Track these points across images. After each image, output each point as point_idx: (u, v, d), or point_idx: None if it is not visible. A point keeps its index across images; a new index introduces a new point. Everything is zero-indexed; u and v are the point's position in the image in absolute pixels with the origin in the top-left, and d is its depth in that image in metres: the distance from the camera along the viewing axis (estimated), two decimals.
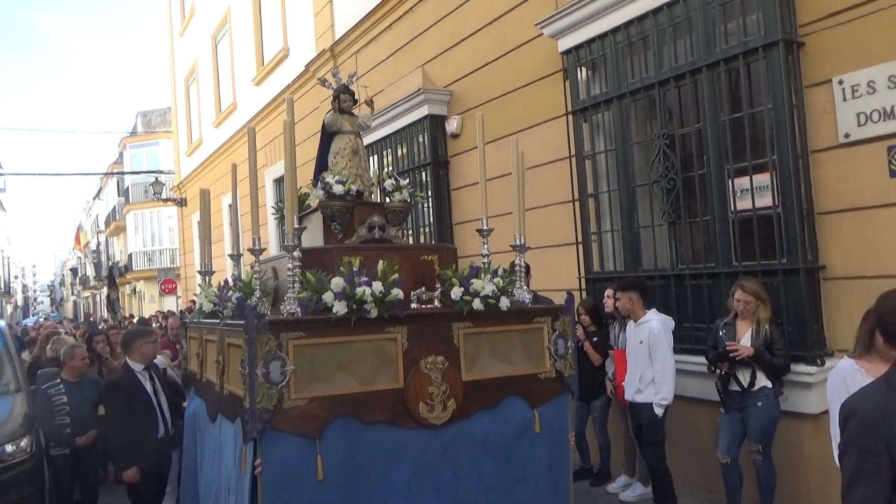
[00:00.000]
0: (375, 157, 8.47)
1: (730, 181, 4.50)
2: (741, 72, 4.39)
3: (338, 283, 2.69)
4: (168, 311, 15.68)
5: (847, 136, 3.95)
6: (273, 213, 3.43)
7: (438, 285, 3.16)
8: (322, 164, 3.80)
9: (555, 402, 3.19)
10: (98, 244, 41.31)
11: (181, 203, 19.16)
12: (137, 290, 30.99)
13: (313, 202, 3.60)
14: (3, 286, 48.74)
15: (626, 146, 5.28)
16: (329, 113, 3.83)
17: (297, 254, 2.82)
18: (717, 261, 4.62)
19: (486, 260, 3.26)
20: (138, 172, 25.41)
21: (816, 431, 4.16)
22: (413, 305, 2.99)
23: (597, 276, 5.57)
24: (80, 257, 53.40)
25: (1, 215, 51.07)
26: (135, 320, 13.04)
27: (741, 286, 4.06)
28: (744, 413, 3.99)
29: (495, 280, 3.03)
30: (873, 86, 3.81)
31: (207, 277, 3.84)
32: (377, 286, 2.71)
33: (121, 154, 31.13)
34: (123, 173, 28.05)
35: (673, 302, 4.86)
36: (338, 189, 3.48)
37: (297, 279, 2.78)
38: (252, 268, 3.06)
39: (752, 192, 4.35)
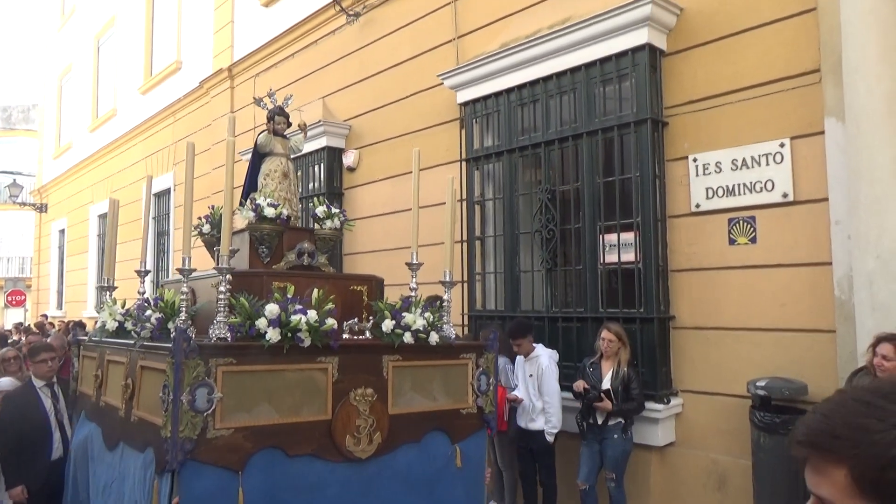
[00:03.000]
0: None
1: (601, 236, 5.06)
2: (615, 141, 4.99)
3: (273, 309, 2.62)
4: (28, 324, 14.26)
5: (697, 206, 4.62)
6: (193, 231, 3.29)
7: (367, 315, 3.16)
8: (251, 185, 3.76)
9: (474, 437, 3.22)
10: None
11: (41, 209, 17.79)
12: None
13: (239, 223, 3.48)
14: None
15: (512, 196, 5.76)
16: (262, 133, 3.80)
17: (229, 276, 2.74)
18: (585, 306, 5.14)
19: (413, 293, 3.26)
20: None
21: (661, 462, 4.72)
22: (345, 336, 2.95)
23: (479, 313, 5.95)
24: None
25: None
26: None
27: (607, 327, 4.57)
28: (601, 444, 4.46)
29: (426, 315, 3.06)
30: (720, 166, 4.50)
31: (110, 293, 3.70)
32: (312, 315, 2.67)
33: None
34: None
35: (546, 341, 5.31)
36: (269, 212, 3.39)
37: (227, 303, 2.69)
38: (164, 287, 3.02)
39: (619, 248, 4.92)
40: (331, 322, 2.72)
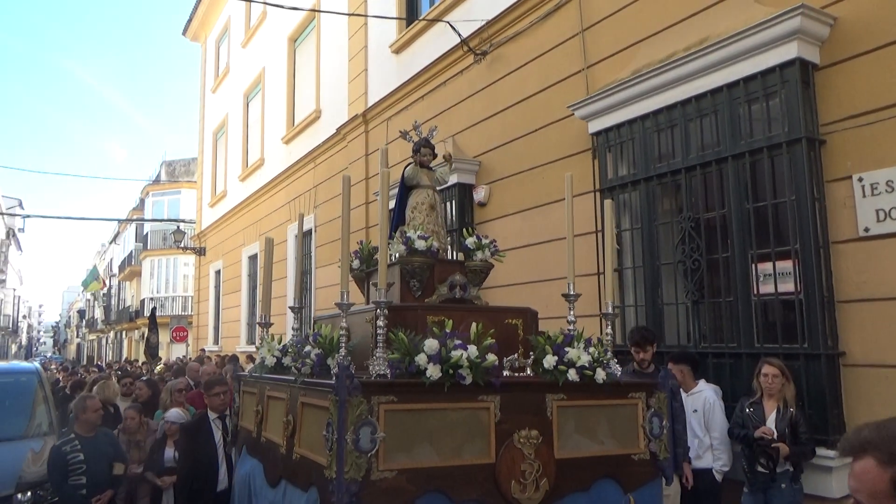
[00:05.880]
0: None
1: (753, 265, 4.69)
2: (765, 164, 4.65)
3: (432, 344, 2.50)
4: (188, 357, 15.56)
5: (867, 230, 4.17)
6: (338, 264, 3.31)
7: (523, 351, 3.01)
8: (399, 218, 3.72)
9: (649, 486, 2.91)
10: (110, 288, 41.66)
11: (200, 252, 19.51)
12: (146, 335, 31.04)
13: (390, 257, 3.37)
14: (11, 325, 48.94)
15: (651, 226, 5.52)
16: (409, 166, 3.75)
17: (386, 311, 2.63)
18: (739, 341, 4.77)
19: (571, 327, 3.04)
20: (160, 220, 25.92)
21: None
22: (505, 373, 2.77)
23: (619, 348, 5.68)
24: (88, 299, 53.69)
25: (17, 255, 51.75)
26: (158, 368, 13.06)
27: (769, 361, 4.22)
28: (767, 494, 4.07)
29: (590, 350, 2.83)
30: (892, 185, 4.05)
31: (267, 329, 3.78)
32: (473, 350, 2.51)
33: (142, 201, 31.84)
34: (145, 220, 28.62)
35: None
36: (420, 245, 3.30)
37: (385, 338, 2.59)
38: (319, 324, 3.04)
39: (775, 278, 4.54)
40: (492, 358, 2.56)
